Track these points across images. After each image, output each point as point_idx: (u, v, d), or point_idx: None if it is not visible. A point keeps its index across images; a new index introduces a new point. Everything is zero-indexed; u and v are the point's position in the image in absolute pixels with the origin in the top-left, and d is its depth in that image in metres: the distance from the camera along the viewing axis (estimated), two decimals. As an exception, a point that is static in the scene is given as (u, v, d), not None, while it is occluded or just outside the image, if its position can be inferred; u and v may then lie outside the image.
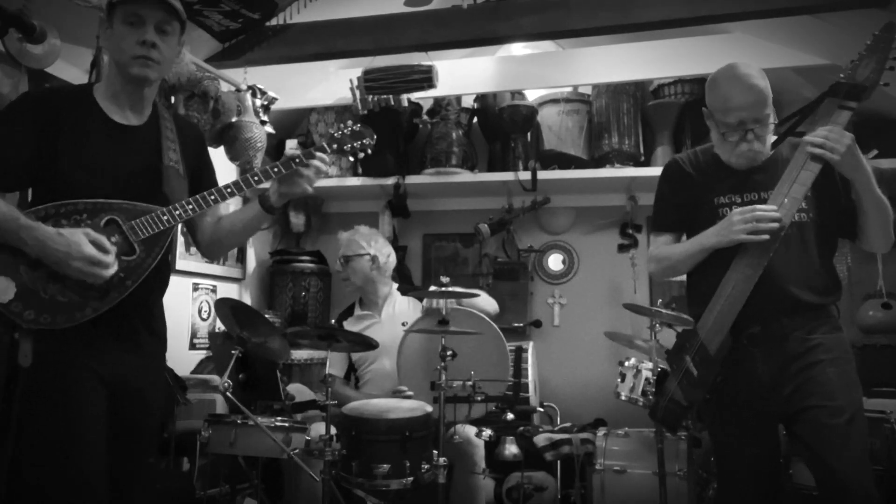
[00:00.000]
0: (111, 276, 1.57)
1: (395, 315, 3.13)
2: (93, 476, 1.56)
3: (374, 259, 3.14)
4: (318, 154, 1.81)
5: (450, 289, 2.57)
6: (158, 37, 1.66)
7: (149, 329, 1.77)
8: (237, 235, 1.94)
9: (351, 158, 1.99)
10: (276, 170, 1.78)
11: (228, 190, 1.75)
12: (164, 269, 1.79)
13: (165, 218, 1.66)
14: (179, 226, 1.77)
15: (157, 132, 1.76)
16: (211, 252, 1.97)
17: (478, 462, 2.78)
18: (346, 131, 1.93)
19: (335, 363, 3.11)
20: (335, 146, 1.91)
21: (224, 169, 3.49)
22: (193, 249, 3.77)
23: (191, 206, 1.70)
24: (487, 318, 2.84)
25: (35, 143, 1.60)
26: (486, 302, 3.05)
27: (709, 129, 2.00)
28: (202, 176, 1.88)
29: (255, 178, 1.76)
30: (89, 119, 1.67)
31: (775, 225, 1.77)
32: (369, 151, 1.97)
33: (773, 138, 1.92)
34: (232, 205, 4.03)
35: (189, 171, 1.81)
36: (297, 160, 1.78)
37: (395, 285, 3.26)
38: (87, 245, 1.52)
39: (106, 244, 1.56)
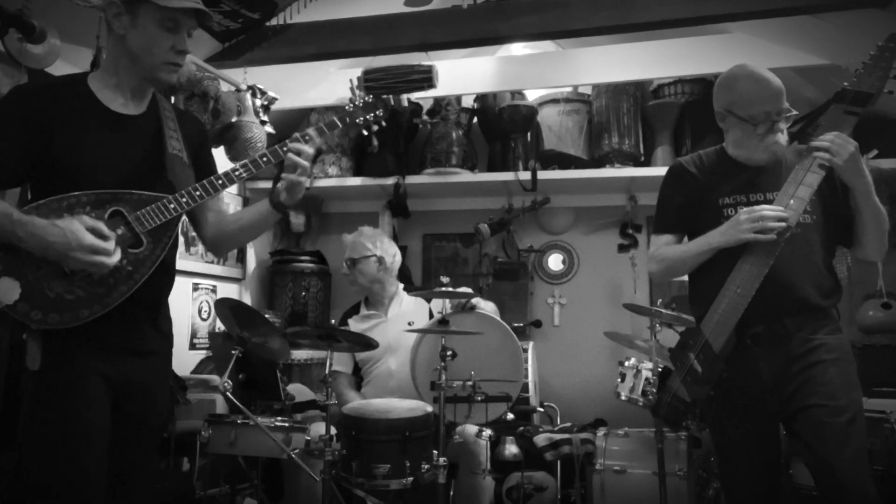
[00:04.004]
0: (119, 270, 1.54)
1: (402, 314, 3.13)
2: (94, 477, 1.54)
3: (380, 260, 3.14)
4: (309, 132, 1.79)
5: (448, 290, 2.58)
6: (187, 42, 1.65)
7: (156, 327, 1.73)
8: (246, 233, 1.90)
9: (365, 132, 1.97)
10: (284, 149, 1.74)
11: (237, 173, 1.71)
12: (171, 265, 1.75)
13: (172, 206, 1.61)
14: (180, 224, 1.74)
15: (158, 121, 1.71)
16: (216, 247, 1.92)
17: (482, 462, 2.78)
18: (357, 104, 1.90)
19: (341, 361, 3.11)
20: (347, 119, 1.88)
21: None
22: (194, 249, 3.77)
23: (198, 193, 1.65)
24: (503, 322, 2.85)
25: (29, 138, 1.54)
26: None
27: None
28: (203, 167, 1.82)
29: (264, 159, 1.73)
30: (86, 110, 1.62)
31: (782, 224, 1.78)
32: (383, 124, 1.95)
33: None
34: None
35: (192, 160, 1.75)
36: (285, 148, 1.74)
37: (402, 285, 3.27)
38: (85, 234, 1.47)
39: (104, 229, 1.51)
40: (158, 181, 1.64)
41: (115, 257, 1.52)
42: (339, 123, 1.87)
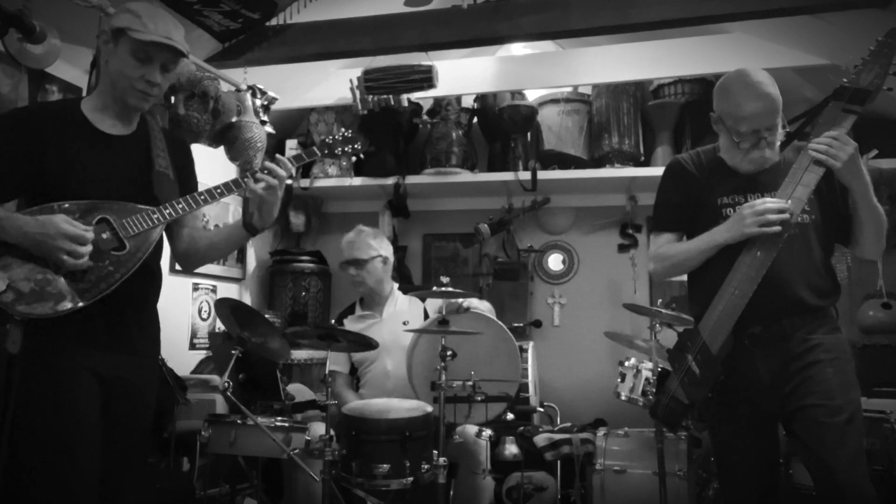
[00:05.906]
0: (100, 269, 1.63)
1: (397, 314, 3.12)
2: (87, 473, 1.60)
3: (385, 259, 3.15)
4: (277, 161, 1.85)
5: (447, 289, 2.57)
6: (161, 75, 1.73)
7: (142, 332, 1.81)
8: (215, 250, 2.00)
9: (344, 163, 2.06)
10: (245, 178, 1.84)
11: (219, 191, 1.81)
12: (157, 271, 1.84)
13: (156, 216, 1.72)
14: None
15: (147, 140, 1.82)
16: (187, 262, 1.99)
17: (482, 462, 2.78)
18: (337, 137, 2.03)
19: (337, 361, 3.11)
20: (326, 151, 2.00)
21: (225, 169, 3.49)
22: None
23: (181, 206, 1.76)
24: (499, 322, 2.84)
25: (22, 156, 1.65)
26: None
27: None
28: (186, 185, 1.91)
29: (246, 180, 1.83)
30: (77, 131, 1.73)
31: (786, 216, 1.77)
32: (361, 156, 2.09)
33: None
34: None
35: (176, 178, 1.86)
36: (245, 178, 1.84)
37: (396, 284, 3.27)
38: (63, 222, 1.58)
39: (79, 225, 1.60)
40: (144, 196, 1.75)
41: (88, 248, 1.60)
42: (317, 153, 1.99)
